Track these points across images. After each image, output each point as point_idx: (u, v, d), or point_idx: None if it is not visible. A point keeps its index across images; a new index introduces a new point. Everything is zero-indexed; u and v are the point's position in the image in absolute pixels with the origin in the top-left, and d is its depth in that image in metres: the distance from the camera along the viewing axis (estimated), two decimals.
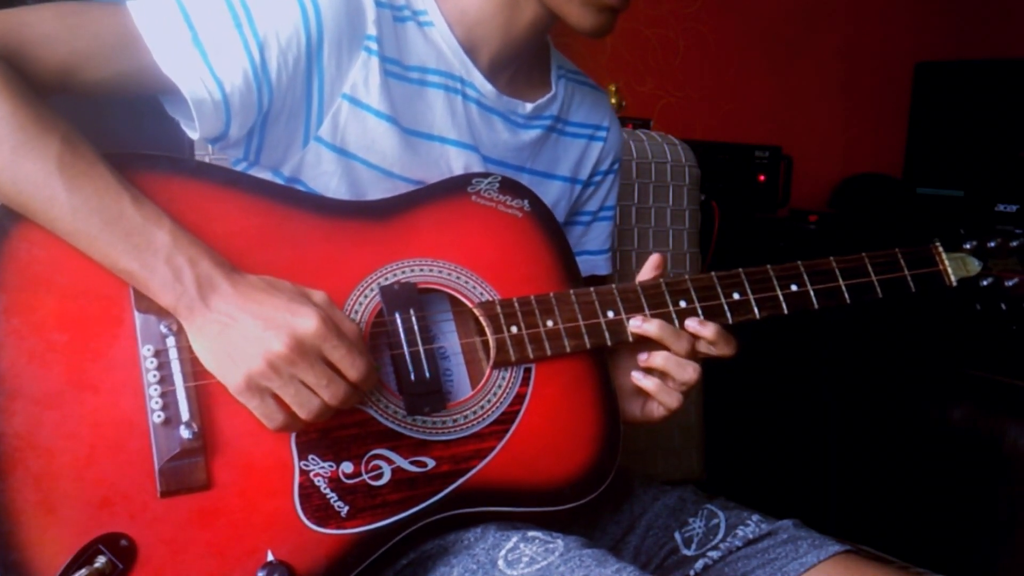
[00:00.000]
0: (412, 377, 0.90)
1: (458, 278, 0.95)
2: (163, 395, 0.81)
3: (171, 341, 0.83)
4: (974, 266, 1.09)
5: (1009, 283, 1.09)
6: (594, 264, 1.20)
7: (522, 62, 1.06)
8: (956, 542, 1.77)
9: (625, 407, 1.01)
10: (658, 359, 0.97)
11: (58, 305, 0.82)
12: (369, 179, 0.98)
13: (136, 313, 0.83)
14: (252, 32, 0.89)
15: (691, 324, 0.97)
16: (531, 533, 0.87)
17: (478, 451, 0.90)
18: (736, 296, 1.00)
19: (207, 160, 1.17)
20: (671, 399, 0.97)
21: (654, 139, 1.58)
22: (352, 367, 0.80)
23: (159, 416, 0.81)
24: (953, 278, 1.08)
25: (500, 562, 0.84)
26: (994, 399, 1.78)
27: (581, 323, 0.96)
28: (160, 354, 0.82)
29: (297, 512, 0.83)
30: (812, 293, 1.02)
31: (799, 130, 2.80)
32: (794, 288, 1.02)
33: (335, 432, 0.86)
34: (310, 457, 0.84)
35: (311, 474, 0.84)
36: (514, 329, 0.94)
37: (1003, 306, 1.10)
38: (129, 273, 0.81)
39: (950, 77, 2.79)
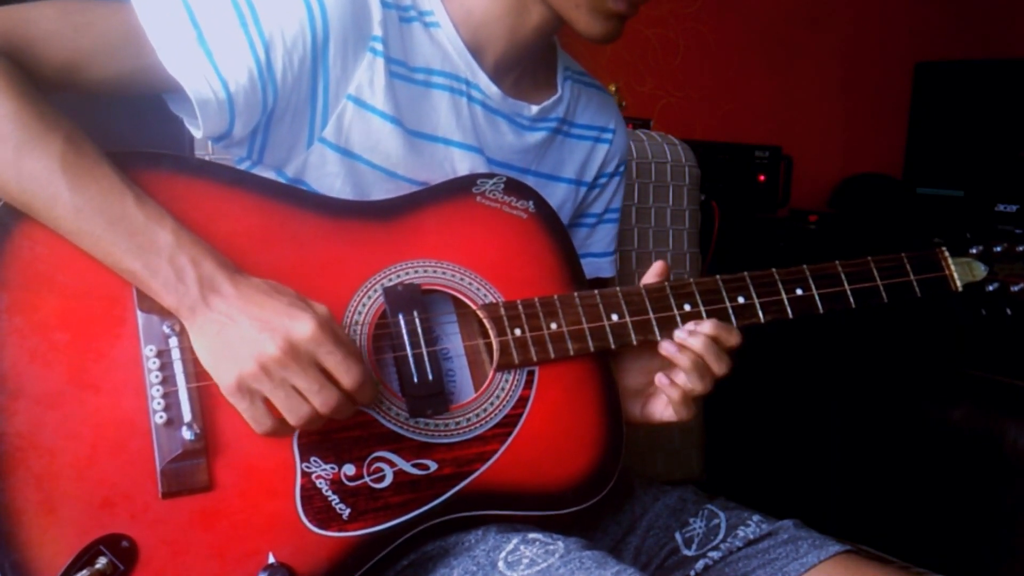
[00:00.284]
0: (415, 379, 0.89)
1: (462, 279, 0.95)
2: (165, 396, 0.81)
3: (174, 342, 0.82)
4: (980, 271, 1.08)
5: (1015, 288, 1.09)
6: (598, 266, 1.19)
7: (528, 64, 1.06)
8: (956, 542, 1.77)
9: (625, 407, 1.01)
10: (697, 343, 0.94)
11: (60, 304, 0.81)
12: (373, 180, 0.98)
13: (139, 313, 0.82)
14: (257, 31, 0.88)
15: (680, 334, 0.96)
16: (531, 535, 0.87)
17: (481, 454, 0.90)
18: (741, 300, 1.00)
19: (208, 159, 1.16)
20: (686, 411, 0.97)
21: (654, 139, 1.58)
22: (347, 373, 0.79)
23: (161, 417, 0.81)
24: (959, 283, 1.08)
25: (500, 564, 0.84)
26: (994, 399, 1.78)
27: (585, 326, 0.96)
28: (163, 354, 0.82)
29: (299, 514, 0.83)
30: (817, 297, 1.01)
31: (799, 130, 2.80)
32: (799, 292, 1.01)
33: (337, 434, 0.85)
34: (312, 459, 0.84)
35: (313, 476, 0.84)
36: (518, 331, 0.93)
37: (1008, 311, 1.09)
38: (132, 273, 0.80)
39: (950, 77, 2.79)
